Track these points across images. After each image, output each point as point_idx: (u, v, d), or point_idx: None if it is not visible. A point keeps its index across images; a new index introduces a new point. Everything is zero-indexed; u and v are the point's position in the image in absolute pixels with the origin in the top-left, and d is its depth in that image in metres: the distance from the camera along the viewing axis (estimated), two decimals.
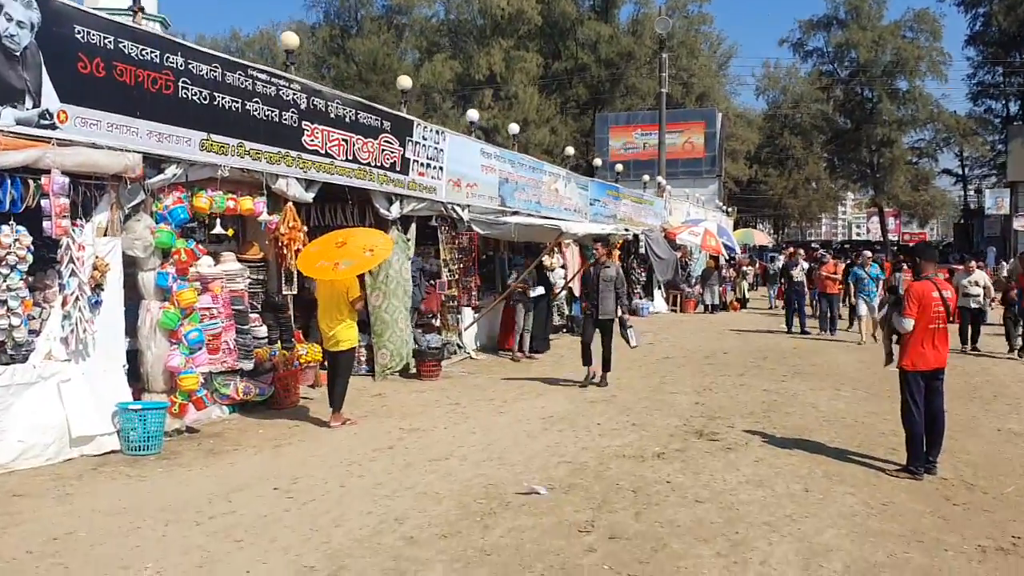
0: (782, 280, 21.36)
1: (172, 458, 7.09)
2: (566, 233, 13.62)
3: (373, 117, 11.21)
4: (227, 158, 8.69)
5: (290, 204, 9.65)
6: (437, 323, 13.60)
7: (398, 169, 11.80)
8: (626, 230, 20.06)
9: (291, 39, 11.05)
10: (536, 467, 6.68)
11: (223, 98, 8.60)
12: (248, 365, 9.05)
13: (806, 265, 19.19)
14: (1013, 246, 41.46)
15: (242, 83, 8.86)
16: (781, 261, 22.00)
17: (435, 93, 50.54)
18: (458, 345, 13.85)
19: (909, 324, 6.63)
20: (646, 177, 26.99)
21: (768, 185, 62.04)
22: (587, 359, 11.14)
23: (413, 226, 12.59)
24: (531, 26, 50.07)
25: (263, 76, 9.17)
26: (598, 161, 24.83)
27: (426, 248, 13.63)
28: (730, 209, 43.40)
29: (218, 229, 8.79)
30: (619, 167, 25.40)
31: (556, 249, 17.84)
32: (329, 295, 8.77)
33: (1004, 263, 30.77)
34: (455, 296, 13.77)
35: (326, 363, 9.22)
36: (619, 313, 11.09)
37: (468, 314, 14.11)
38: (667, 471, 6.61)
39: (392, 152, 11.64)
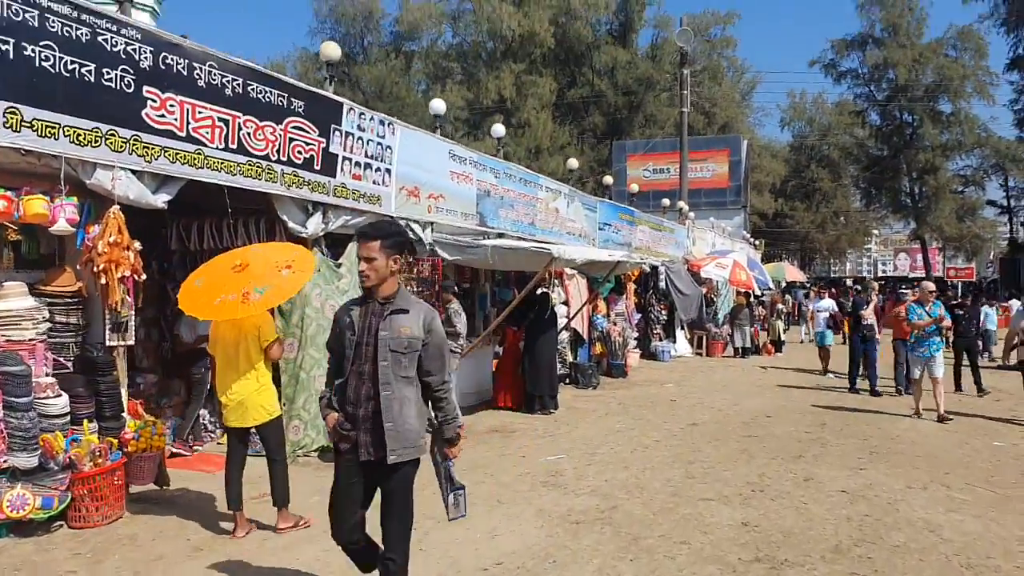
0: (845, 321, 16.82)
1: None
2: (558, 259, 10.18)
3: (275, 93, 7.87)
4: None
5: (115, 210, 6.31)
6: None
7: (317, 168, 8.46)
8: (642, 260, 16.62)
9: (332, 50, 9.70)
10: None
11: None
12: (27, 461, 5.67)
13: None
14: None
15: (18, 14, 5.57)
16: (813, 299, 17.95)
17: (448, 123, 47.59)
18: None
19: None
20: (666, 201, 23.50)
21: (794, 219, 58.39)
22: (363, 559, 4.24)
23: (352, 248, 9.25)
24: (544, 49, 47.04)
25: (65, 10, 5.87)
26: (608, 179, 21.22)
27: None
28: (758, 242, 39.81)
29: None
30: (634, 187, 21.94)
31: (556, 281, 14.53)
32: (232, 342, 5.74)
33: None
34: None
35: (226, 442, 6.06)
36: (441, 434, 4.21)
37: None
38: None
39: (308, 143, 8.31)
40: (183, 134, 6.86)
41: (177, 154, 6.81)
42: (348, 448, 3.96)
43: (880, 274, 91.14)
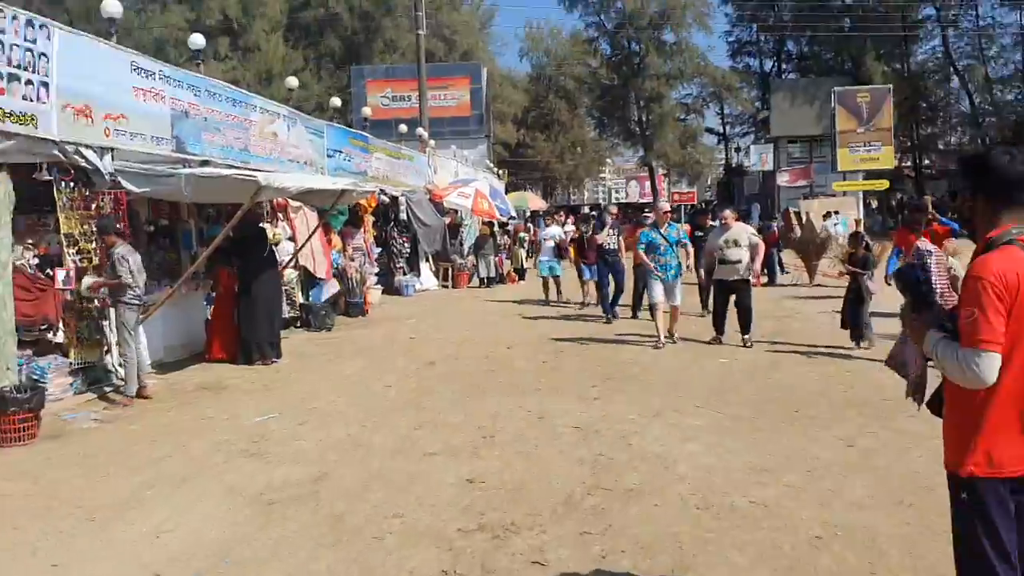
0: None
1: None
2: (267, 188, 8.85)
3: None
4: None
5: None
6: (59, 338, 8.50)
7: None
8: (375, 189, 15.58)
9: None
10: None
11: None
12: None
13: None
14: (777, 202, 41.32)
15: None
16: (557, 228, 17.64)
17: (169, 47, 43.01)
18: (106, 370, 8.85)
19: (991, 368, 2.57)
20: (403, 127, 22.44)
21: (536, 149, 59.71)
22: None
23: (2, 180, 7.46)
24: None
25: None
26: (336, 101, 19.70)
27: (41, 220, 8.52)
28: (501, 172, 40.02)
29: None
30: (366, 111, 20.63)
31: (281, 215, 13.18)
32: None
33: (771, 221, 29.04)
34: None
35: None
36: None
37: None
38: None
39: None
40: None
41: None
42: None
43: (614, 201, 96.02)
